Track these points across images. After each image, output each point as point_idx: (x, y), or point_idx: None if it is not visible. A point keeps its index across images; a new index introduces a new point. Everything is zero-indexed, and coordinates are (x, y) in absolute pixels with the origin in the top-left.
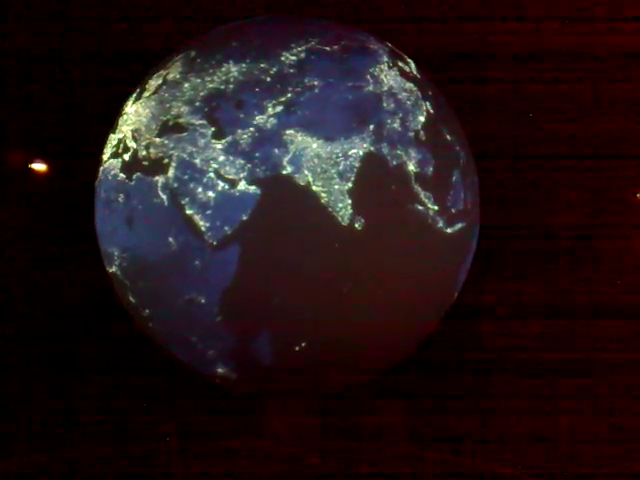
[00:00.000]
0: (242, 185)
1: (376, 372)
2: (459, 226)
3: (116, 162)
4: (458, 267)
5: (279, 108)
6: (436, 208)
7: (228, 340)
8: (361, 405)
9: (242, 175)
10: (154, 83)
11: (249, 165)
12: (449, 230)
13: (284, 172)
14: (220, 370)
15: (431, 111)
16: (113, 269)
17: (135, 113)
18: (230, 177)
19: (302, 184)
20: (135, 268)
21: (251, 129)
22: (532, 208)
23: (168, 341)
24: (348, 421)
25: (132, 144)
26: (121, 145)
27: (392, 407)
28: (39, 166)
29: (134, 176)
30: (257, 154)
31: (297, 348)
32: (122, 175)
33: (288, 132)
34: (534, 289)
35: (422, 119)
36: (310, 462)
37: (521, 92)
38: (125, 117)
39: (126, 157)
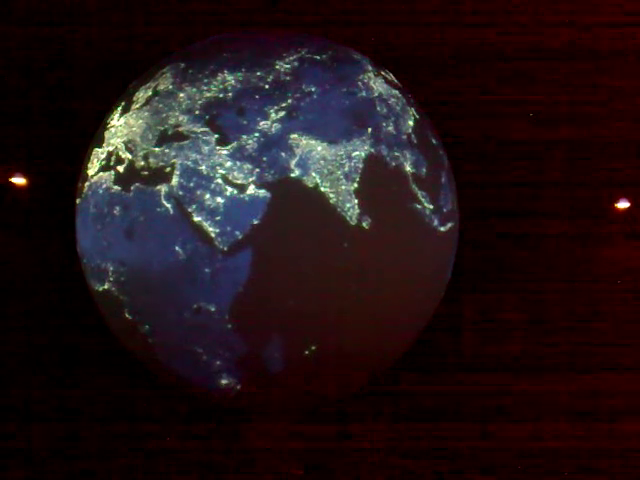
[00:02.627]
0: (252, 189)
1: (380, 372)
2: (449, 225)
3: (108, 175)
4: (448, 265)
5: (281, 114)
6: (431, 207)
7: (238, 348)
8: (346, 415)
9: (251, 179)
10: (143, 95)
11: (257, 169)
12: (442, 229)
13: (292, 175)
14: (224, 382)
15: (417, 116)
16: (105, 286)
17: (125, 125)
18: (239, 182)
19: (310, 186)
20: (136, 281)
21: (256, 134)
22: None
23: (168, 356)
24: (333, 433)
25: (127, 155)
26: (112, 158)
27: (377, 418)
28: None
29: (132, 187)
30: (264, 158)
31: (307, 352)
32: (117, 187)
33: (293, 136)
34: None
35: (411, 123)
36: (293, 473)
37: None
38: (113, 130)
39: (120, 169)
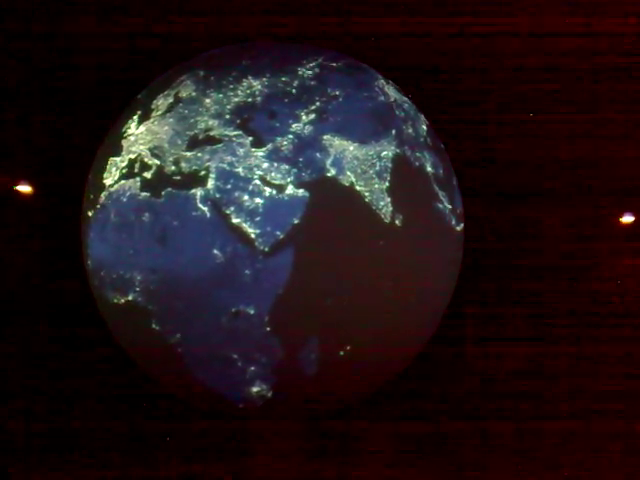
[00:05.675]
0: (290, 189)
1: (403, 370)
2: (462, 225)
3: (132, 182)
4: (458, 265)
5: (312, 116)
6: (450, 207)
7: (275, 352)
8: (349, 428)
9: (289, 179)
10: (163, 102)
11: (294, 170)
12: (458, 228)
13: (329, 174)
14: (255, 389)
15: (427, 121)
16: (129, 297)
17: (148, 132)
18: (277, 182)
19: (347, 184)
20: (168, 288)
21: (290, 136)
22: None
23: (198, 366)
24: (336, 444)
25: (154, 161)
26: (136, 165)
27: (381, 429)
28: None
29: (163, 192)
30: (300, 159)
31: (342, 352)
32: (144, 194)
33: (325, 137)
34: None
35: (425, 127)
36: None
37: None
38: (132, 138)
39: (147, 175)
